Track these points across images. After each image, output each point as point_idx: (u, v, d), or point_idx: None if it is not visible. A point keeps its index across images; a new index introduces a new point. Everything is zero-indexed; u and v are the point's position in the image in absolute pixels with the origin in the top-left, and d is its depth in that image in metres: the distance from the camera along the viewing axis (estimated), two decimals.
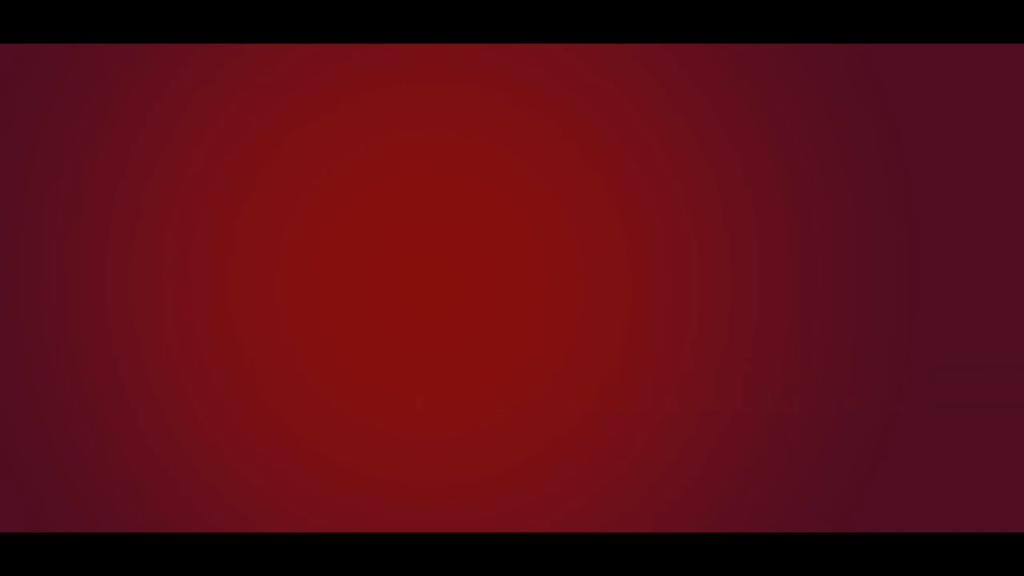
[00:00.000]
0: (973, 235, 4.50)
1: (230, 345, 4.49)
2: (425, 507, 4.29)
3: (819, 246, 4.53)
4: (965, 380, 4.44)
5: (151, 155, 4.56)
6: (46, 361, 4.45)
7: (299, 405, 4.44)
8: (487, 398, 4.46)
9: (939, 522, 4.31)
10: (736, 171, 4.56)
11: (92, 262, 4.52)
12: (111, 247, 4.53)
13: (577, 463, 4.38)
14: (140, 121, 4.55)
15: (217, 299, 4.52)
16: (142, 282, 4.53)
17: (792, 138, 4.56)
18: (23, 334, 4.47)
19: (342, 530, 4.23)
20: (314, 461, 4.36)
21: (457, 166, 4.59)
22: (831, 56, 4.53)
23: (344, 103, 4.58)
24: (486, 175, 4.58)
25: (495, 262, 4.58)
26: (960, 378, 4.44)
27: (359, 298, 4.56)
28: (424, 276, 4.57)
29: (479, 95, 4.57)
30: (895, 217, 4.53)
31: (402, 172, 4.60)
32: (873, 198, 4.54)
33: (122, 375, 4.44)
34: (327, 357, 4.50)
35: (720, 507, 4.32)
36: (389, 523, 4.26)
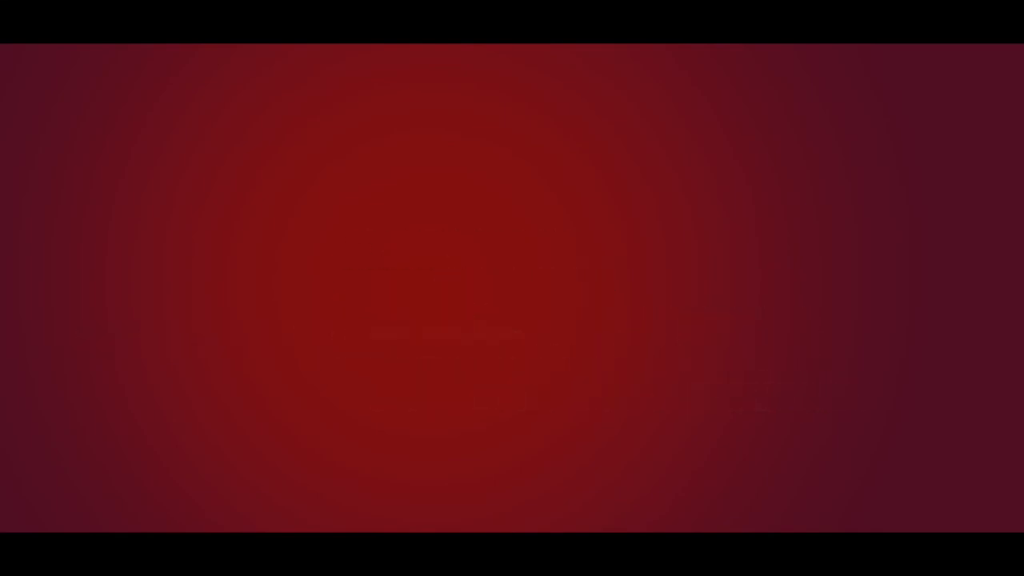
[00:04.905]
0: (973, 235, 4.50)
1: (230, 345, 4.49)
2: (425, 507, 4.29)
3: (819, 246, 4.53)
4: (965, 380, 4.44)
5: (151, 155, 4.56)
6: (46, 361, 4.45)
7: (299, 405, 4.44)
8: (487, 398, 4.46)
9: (939, 522, 4.31)
10: (736, 171, 4.56)
11: (92, 262, 4.52)
12: (111, 247, 4.53)
13: (577, 463, 4.38)
14: (140, 121, 4.56)
15: (217, 299, 4.52)
16: (142, 282, 4.53)
17: (792, 138, 4.56)
18: (23, 334, 4.48)
19: (342, 530, 4.24)
20: (314, 461, 4.36)
21: (457, 166, 4.59)
22: (831, 56, 4.53)
23: (344, 103, 4.58)
24: (486, 175, 4.59)
25: (495, 262, 4.59)
26: (960, 378, 4.44)
27: (359, 298, 4.57)
28: (424, 275, 4.58)
29: (479, 95, 4.57)
30: (895, 217, 4.53)
31: (402, 172, 4.60)
32: (873, 198, 4.54)
33: (122, 375, 4.45)
34: (327, 357, 4.50)
35: (720, 507, 4.33)
36: (389, 523, 4.26)
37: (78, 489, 4.33)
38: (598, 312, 4.54)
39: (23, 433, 4.40)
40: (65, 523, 4.28)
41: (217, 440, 4.39)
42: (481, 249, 4.58)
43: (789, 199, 4.55)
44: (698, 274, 4.54)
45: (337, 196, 4.59)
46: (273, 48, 4.56)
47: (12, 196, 4.54)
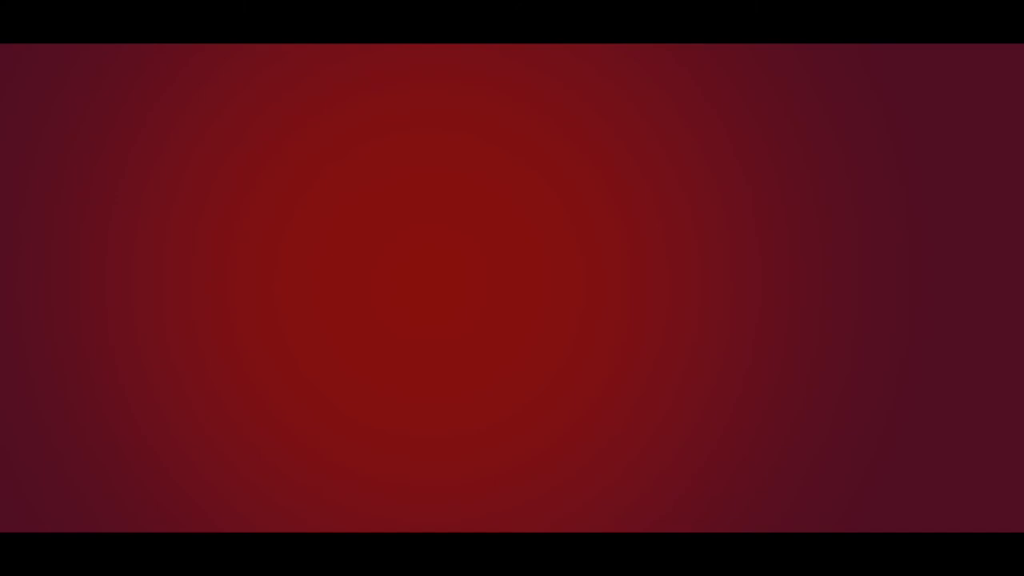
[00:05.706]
0: (973, 235, 4.50)
1: (230, 345, 4.49)
2: (425, 507, 4.29)
3: (819, 246, 4.54)
4: (965, 380, 4.44)
5: (151, 155, 4.56)
6: (46, 361, 4.45)
7: (299, 405, 4.44)
8: (487, 398, 4.46)
9: (939, 522, 4.31)
10: (736, 171, 4.56)
11: (92, 262, 4.52)
12: (111, 247, 4.53)
13: (577, 463, 4.39)
14: (140, 121, 4.56)
15: (217, 299, 4.52)
16: (142, 282, 4.53)
17: (792, 138, 4.56)
18: (23, 334, 4.48)
19: (342, 530, 4.24)
20: (314, 461, 4.37)
21: (457, 166, 4.59)
22: (831, 56, 4.53)
23: (344, 103, 4.58)
24: (486, 175, 4.59)
25: (495, 262, 4.59)
26: (960, 378, 4.44)
27: (359, 298, 4.57)
28: (424, 276, 4.58)
29: (479, 95, 4.57)
30: (895, 217, 4.53)
31: (402, 172, 4.60)
32: (873, 198, 4.54)
33: (122, 375, 4.45)
34: (327, 357, 4.50)
35: (720, 507, 4.33)
36: (389, 523, 4.26)
37: (78, 489, 4.33)
38: (598, 312, 4.54)
39: (23, 433, 4.40)
40: (65, 523, 4.28)
41: (217, 440, 4.39)
42: (481, 249, 4.58)
43: (789, 199, 4.55)
44: (698, 274, 4.54)
45: (337, 196, 4.59)
46: (273, 48, 4.56)
47: (12, 196, 4.54)
